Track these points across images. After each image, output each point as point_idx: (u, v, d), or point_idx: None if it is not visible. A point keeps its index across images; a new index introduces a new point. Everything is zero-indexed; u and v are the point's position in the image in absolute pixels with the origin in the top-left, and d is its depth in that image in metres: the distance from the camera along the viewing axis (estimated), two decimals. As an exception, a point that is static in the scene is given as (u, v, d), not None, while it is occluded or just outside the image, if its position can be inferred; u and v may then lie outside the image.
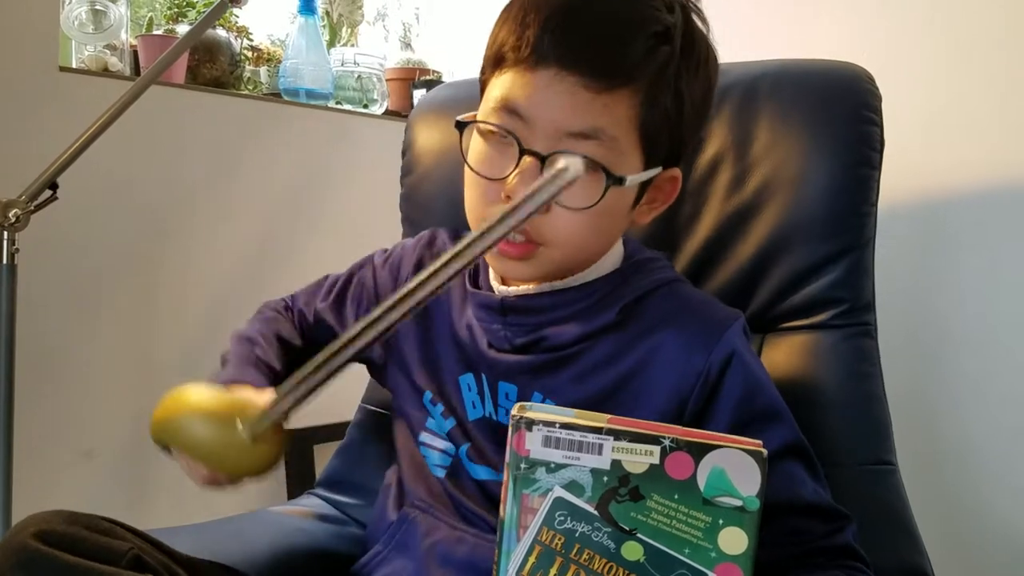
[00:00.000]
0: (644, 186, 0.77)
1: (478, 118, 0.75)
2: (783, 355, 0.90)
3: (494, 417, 0.81)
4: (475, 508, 0.79)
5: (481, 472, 0.80)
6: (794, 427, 0.76)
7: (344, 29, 2.03)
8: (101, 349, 1.52)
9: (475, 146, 0.76)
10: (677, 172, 0.79)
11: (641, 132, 0.72)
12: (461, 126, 0.76)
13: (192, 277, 1.62)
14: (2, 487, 1.18)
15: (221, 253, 1.66)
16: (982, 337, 1.25)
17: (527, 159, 0.70)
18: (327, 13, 1.99)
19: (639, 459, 0.56)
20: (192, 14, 1.78)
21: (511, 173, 0.71)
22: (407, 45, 2.13)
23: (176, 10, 1.79)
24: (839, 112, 0.92)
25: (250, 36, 1.87)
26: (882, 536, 0.85)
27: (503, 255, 0.74)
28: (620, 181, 0.70)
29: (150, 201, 1.57)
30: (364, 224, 1.78)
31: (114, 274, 1.53)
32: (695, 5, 0.76)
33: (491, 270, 0.83)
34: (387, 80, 1.94)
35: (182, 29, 1.72)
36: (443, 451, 0.83)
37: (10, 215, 1.15)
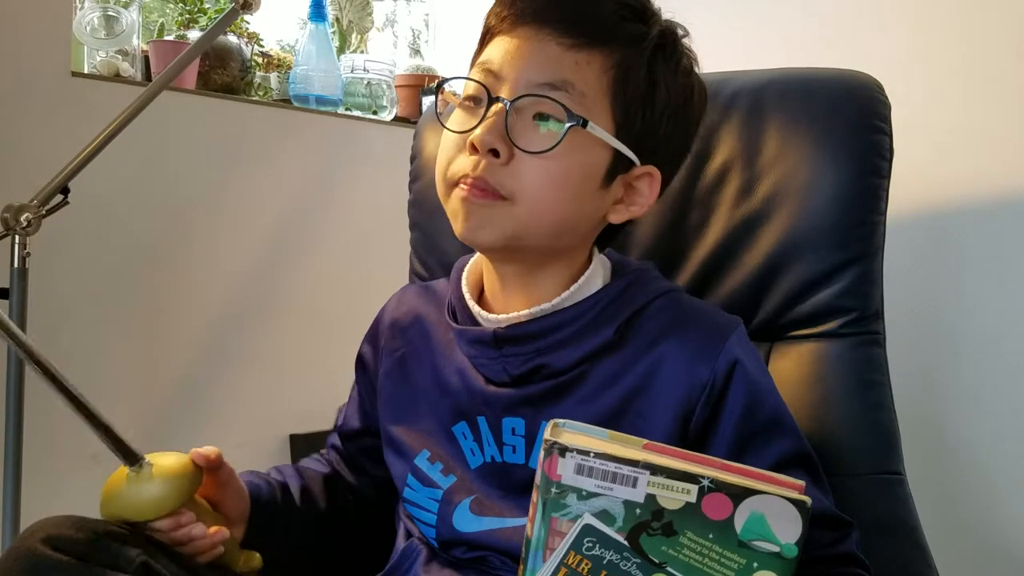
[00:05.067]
0: (616, 170, 0.74)
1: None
2: (791, 363, 0.90)
3: (498, 458, 0.78)
4: (471, 556, 0.78)
5: (483, 524, 0.77)
6: (798, 435, 0.76)
7: (354, 35, 2.04)
8: (110, 352, 1.53)
9: (452, 113, 0.76)
10: (654, 169, 0.76)
11: (612, 98, 0.72)
12: (440, 86, 0.77)
13: (201, 281, 1.63)
14: (11, 491, 1.19)
15: (230, 257, 1.66)
16: (991, 346, 1.24)
17: (495, 105, 0.71)
18: (337, 19, 2.00)
19: (675, 495, 0.54)
20: (203, 20, 1.79)
21: (479, 123, 0.71)
22: (416, 52, 2.14)
23: (187, 16, 1.80)
24: (847, 120, 0.91)
25: (260, 42, 1.88)
26: (889, 546, 0.84)
27: (469, 200, 0.71)
28: (583, 123, 0.70)
29: (161, 206, 1.57)
30: (372, 229, 1.79)
31: (124, 278, 1.54)
32: (682, 27, 0.77)
33: (472, 305, 0.80)
34: (396, 87, 1.95)
35: (193, 35, 1.73)
36: (427, 524, 0.81)
37: (22, 219, 1.16)
